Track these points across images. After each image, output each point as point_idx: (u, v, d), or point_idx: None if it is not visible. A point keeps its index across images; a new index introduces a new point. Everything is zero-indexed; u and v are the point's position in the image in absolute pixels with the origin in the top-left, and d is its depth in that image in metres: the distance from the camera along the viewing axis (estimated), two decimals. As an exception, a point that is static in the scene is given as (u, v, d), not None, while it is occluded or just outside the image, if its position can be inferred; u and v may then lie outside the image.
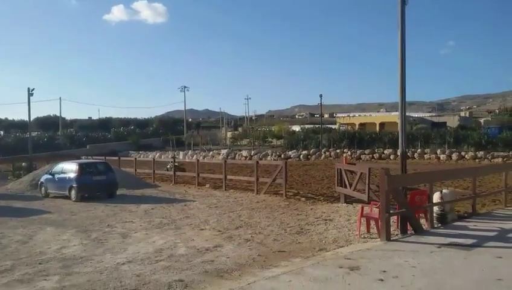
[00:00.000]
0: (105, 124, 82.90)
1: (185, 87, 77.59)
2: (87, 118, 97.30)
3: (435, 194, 10.20)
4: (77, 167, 17.46)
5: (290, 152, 45.31)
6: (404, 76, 9.65)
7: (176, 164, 25.85)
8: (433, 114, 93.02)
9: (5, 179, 26.67)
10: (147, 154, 53.52)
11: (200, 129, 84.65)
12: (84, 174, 17.27)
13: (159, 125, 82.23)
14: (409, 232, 9.05)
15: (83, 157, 33.54)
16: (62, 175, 17.74)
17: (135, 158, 30.30)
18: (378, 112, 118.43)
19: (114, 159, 30.15)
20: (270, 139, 61.94)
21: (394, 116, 52.43)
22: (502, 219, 10.40)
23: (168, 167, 25.79)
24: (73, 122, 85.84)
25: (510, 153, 35.95)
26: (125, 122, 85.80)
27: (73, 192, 16.95)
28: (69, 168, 17.71)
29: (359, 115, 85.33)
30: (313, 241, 9.17)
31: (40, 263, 7.91)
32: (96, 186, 17.46)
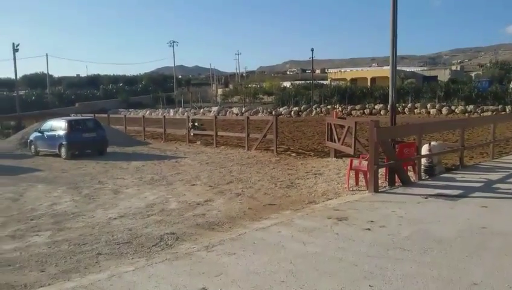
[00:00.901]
0: (93, 81, 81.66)
1: (174, 42, 75.92)
2: (75, 75, 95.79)
3: (423, 147, 10.28)
4: (66, 124, 17.29)
5: (281, 109, 45.21)
6: (396, 29, 9.49)
7: (196, 123, 23.27)
8: (425, 68, 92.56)
9: (-7, 138, 26.42)
10: (137, 112, 53.10)
11: (190, 86, 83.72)
12: (74, 131, 17.13)
13: (148, 83, 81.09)
14: (396, 184, 9.18)
15: (72, 115, 33.16)
16: (51, 133, 17.59)
17: (125, 115, 29.99)
18: (370, 66, 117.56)
19: (103, 117, 29.87)
20: (261, 96, 61.61)
21: (386, 71, 52.07)
22: (488, 171, 10.57)
23: (190, 126, 22.39)
24: (62, 79, 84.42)
25: (500, 106, 36.19)
26: (114, 79, 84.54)
27: (63, 149, 16.87)
28: (58, 126, 17.54)
29: (351, 70, 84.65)
30: (302, 194, 9.29)
31: (31, 219, 7.97)
32: (86, 144, 17.39)
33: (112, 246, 6.22)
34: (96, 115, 28.42)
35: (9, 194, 10.37)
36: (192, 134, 22.06)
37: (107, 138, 18.12)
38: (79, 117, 24.71)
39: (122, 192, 10.22)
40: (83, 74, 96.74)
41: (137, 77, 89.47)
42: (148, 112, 50.80)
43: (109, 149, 18.29)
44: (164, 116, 26.09)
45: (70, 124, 17.45)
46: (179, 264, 5.07)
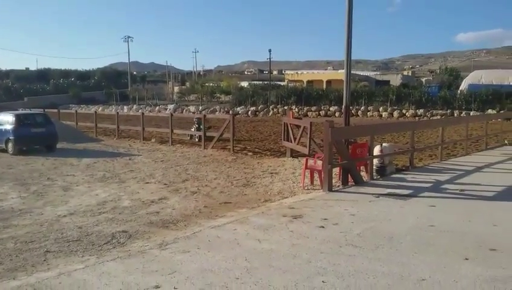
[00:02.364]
0: (44, 75, 78.54)
1: (129, 37, 74.31)
2: (24, 68, 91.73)
3: (375, 148, 10.59)
4: (14, 118, 16.50)
5: (238, 108, 45.23)
6: (351, 34, 9.72)
7: (201, 126, 18.50)
8: (378, 73, 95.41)
9: None
10: (89, 107, 51.57)
11: (145, 83, 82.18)
12: (22, 126, 16.39)
13: (101, 78, 78.87)
14: (349, 183, 9.39)
15: (21, 109, 31.77)
16: (-3, 127, 16.75)
17: (76, 111, 29.08)
18: (326, 69, 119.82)
19: (54, 112, 28.81)
20: (218, 95, 61.36)
21: (341, 74, 53.19)
22: (437, 172, 11.00)
23: (194, 129, 20.14)
24: (10, 72, 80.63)
25: (448, 111, 37.78)
26: (66, 74, 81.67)
27: (10, 145, 16.10)
28: (5, 120, 16.72)
29: (307, 72, 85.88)
30: (258, 193, 9.33)
31: (-26, 217, 7.55)
32: (35, 139, 16.68)
33: (61, 243, 5.99)
34: (46, 110, 27.36)
35: (-51, 191, 9.78)
36: (197, 138, 18.99)
37: (57, 133, 17.46)
38: (28, 111, 23.67)
39: (73, 189, 9.88)
40: (33, 67, 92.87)
41: (90, 72, 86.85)
42: (100, 108, 49.45)
43: (59, 145, 17.62)
44: (117, 112, 25.50)
45: (19, 118, 16.68)
46: (131, 263, 4.96)
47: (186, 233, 6.14)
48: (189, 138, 20.23)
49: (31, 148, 16.62)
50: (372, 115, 39.68)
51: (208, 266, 4.79)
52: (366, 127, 11.89)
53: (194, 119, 20.76)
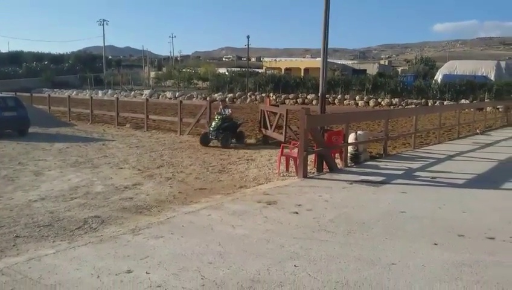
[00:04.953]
0: (15, 58, 76.28)
1: (104, 20, 72.75)
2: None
3: (350, 135, 10.70)
4: (-17, 101, 16.03)
5: (215, 95, 44.98)
6: (328, 22, 9.74)
7: (225, 113, 14.50)
8: (355, 62, 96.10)
9: None
10: (62, 92, 50.38)
11: (120, 68, 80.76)
12: (-9, 109, 15.93)
13: (75, 62, 77.18)
14: (324, 170, 9.49)
15: (-10, 92, 30.83)
16: (-35, 110, 16.23)
17: (49, 95, 28.31)
18: (304, 57, 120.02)
19: (26, 96, 28.07)
20: (195, 81, 60.88)
21: (318, 62, 53.47)
22: (410, 160, 11.20)
23: (214, 124, 14.24)
24: (-21, 55, 78.11)
25: (423, 100, 38.43)
26: (39, 57, 79.52)
27: (-22, 129, 15.65)
28: (-26, 103, 16.21)
29: (285, 60, 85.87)
30: (234, 179, 9.33)
31: None
32: (6, 123, 16.23)
33: (32, 229, 5.88)
34: (17, 94, 26.63)
35: None
36: (213, 135, 14.04)
37: (29, 117, 17.04)
38: (-2, 95, 22.98)
39: (44, 174, 9.68)
40: (4, 50, 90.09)
41: (64, 56, 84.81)
42: (74, 93, 48.41)
43: (31, 130, 17.21)
44: (91, 97, 24.99)
45: (-12, 101, 16.19)
46: (103, 247, 4.90)
47: (159, 219, 6.11)
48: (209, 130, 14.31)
49: (1, 132, 16.18)
50: (349, 104, 40.05)
51: (181, 251, 4.78)
52: (341, 115, 11.98)
53: (218, 111, 14.80)
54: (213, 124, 14.29)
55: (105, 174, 9.75)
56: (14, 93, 27.50)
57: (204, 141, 14.08)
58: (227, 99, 42.68)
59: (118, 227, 5.85)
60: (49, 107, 25.16)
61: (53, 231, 5.81)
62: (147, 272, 4.22)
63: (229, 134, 14.10)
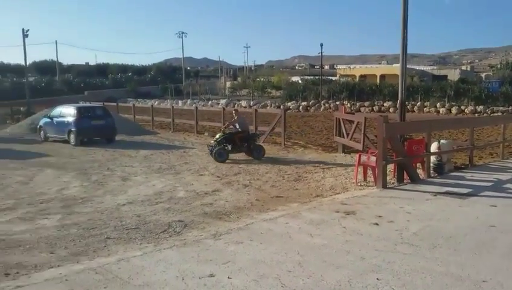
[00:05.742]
0: (102, 70, 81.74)
1: (183, 33, 75.81)
2: (84, 63, 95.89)
3: (432, 144, 10.23)
4: (76, 111, 17.36)
5: (289, 103, 45.11)
6: (406, 27, 9.49)
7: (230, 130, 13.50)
8: (435, 67, 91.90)
9: (3, 123, 26.67)
10: (145, 101, 53.18)
11: (198, 78, 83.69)
12: (83, 118, 17.20)
13: (157, 73, 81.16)
14: (405, 181, 9.15)
15: (81, 102, 33.32)
16: (61, 119, 17.66)
17: (134, 105, 30.10)
18: (379, 64, 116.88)
19: (112, 105, 30.00)
20: (269, 90, 61.48)
21: (395, 68, 51.79)
22: (498, 171, 10.50)
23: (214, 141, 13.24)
24: (71, 67, 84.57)
25: (510, 108, 35.88)
26: (123, 68, 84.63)
27: (72, 136, 16.95)
28: (68, 112, 17.61)
29: (360, 67, 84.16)
30: (310, 188, 9.30)
31: (41, 203, 8.04)
32: (95, 131, 17.46)
33: (121, 231, 6.27)
34: (105, 103, 28.53)
35: (19, 178, 10.46)
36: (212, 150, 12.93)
37: (116, 126, 18.19)
38: (88, 104, 24.79)
39: (131, 179, 10.28)
40: (92, 62, 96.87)
41: (146, 67, 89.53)
42: (156, 102, 50.86)
43: (117, 137, 18.36)
44: (172, 106, 26.13)
45: (80, 111, 17.52)
46: (186, 251, 5.10)
47: (239, 225, 6.24)
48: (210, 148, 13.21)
49: (91, 139, 17.43)
50: (429, 111, 38.32)
51: (261, 258, 4.85)
52: (422, 123, 11.51)
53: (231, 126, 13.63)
54: (217, 136, 13.41)
55: (187, 180, 10.14)
56: (102, 103, 29.48)
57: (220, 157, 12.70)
58: (300, 107, 42.63)
59: (200, 231, 6.06)
60: (134, 116, 26.68)
61: (140, 233, 6.15)
62: (228, 277, 4.33)
63: (226, 147, 12.84)
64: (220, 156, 12.71)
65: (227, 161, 12.64)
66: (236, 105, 46.53)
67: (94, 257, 5.17)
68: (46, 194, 8.73)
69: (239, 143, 12.97)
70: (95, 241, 5.86)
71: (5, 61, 79.56)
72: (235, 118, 13.41)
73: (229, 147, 12.93)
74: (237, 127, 13.34)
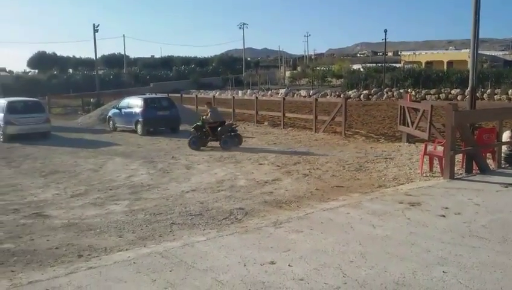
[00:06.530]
0: (167, 62, 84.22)
1: (244, 24, 76.42)
2: (149, 56, 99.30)
3: (504, 134, 9.64)
4: (143, 102, 18.09)
5: (350, 92, 44.15)
6: (479, 9, 8.95)
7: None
8: (507, 52, 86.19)
9: (75, 113, 28.32)
10: (207, 92, 54.21)
11: (258, 68, 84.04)
12: (150, 109, 17.89)
13: (218, 64, 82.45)
14: (474, 171, 8.73)
15: (147, 94, 34.60)
16: (128, 110, 18.48)
17: (196, 95, 30.73)
18: (446, 49, 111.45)
19: (176, 96, 30.88)
20: (329, 79, 60.55)
21: (464, 54, 49.26)
22: None
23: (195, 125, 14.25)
24: (137, 60, 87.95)
25: None
26: (186, 60, 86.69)
27: (139, 126, 17.70)
28: (135, 103, 18.39)
29: (426, 53, 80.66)
30: (372, 178, 9.11)
31: (110, 189, 8.50)
32: (161, 121, 18.12)
33: (185, 217, 6.50)
34: (169, 95, 29.41)
35: (90, 166, 11.11)
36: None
37: (180, 116, 18.73)
38: (154, 96, 25.69)
39: (194, 168, 10.59)
40: (157, 55, 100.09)
41: (208, 59, 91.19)
42: (217, 93, 51.61)
43: (181, 127, 18.88)
44: (233, 96, 26.46)
45: (146, 102, 18.23)
46: (248, 238, 5.20)
47: (299, 214, 6.26)
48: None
49: (157, 129, 18.09)
50: (500, 99, 36.02)
51: (321, 247, 4.84)
52: (494, 111, 10.89)
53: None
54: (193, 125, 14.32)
55: (247, 169, 10.29)
56: (166, 94, 30.42)
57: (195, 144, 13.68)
58: (361, 96, 41.71)
59: (261, 219, 6.15)
60: (197, 107, 27.27)
61: (203, 219, 6.34)
62: (289, 265, 4.37)
63: (198, 136, 13.75)
64: (194, 143, 13.65)
65: (286, 151, 12.68)
66: (295, 94, 46.34)
67: (160, 242, 5.40)
68: (115, 181, 9.21)
69: (210, 133, 13.74)
70: (161, 226, 6.12)
71: (77, 55, 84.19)
72: (208, 110, 14.35)
73: (202, 136, 13.77)
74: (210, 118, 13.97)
